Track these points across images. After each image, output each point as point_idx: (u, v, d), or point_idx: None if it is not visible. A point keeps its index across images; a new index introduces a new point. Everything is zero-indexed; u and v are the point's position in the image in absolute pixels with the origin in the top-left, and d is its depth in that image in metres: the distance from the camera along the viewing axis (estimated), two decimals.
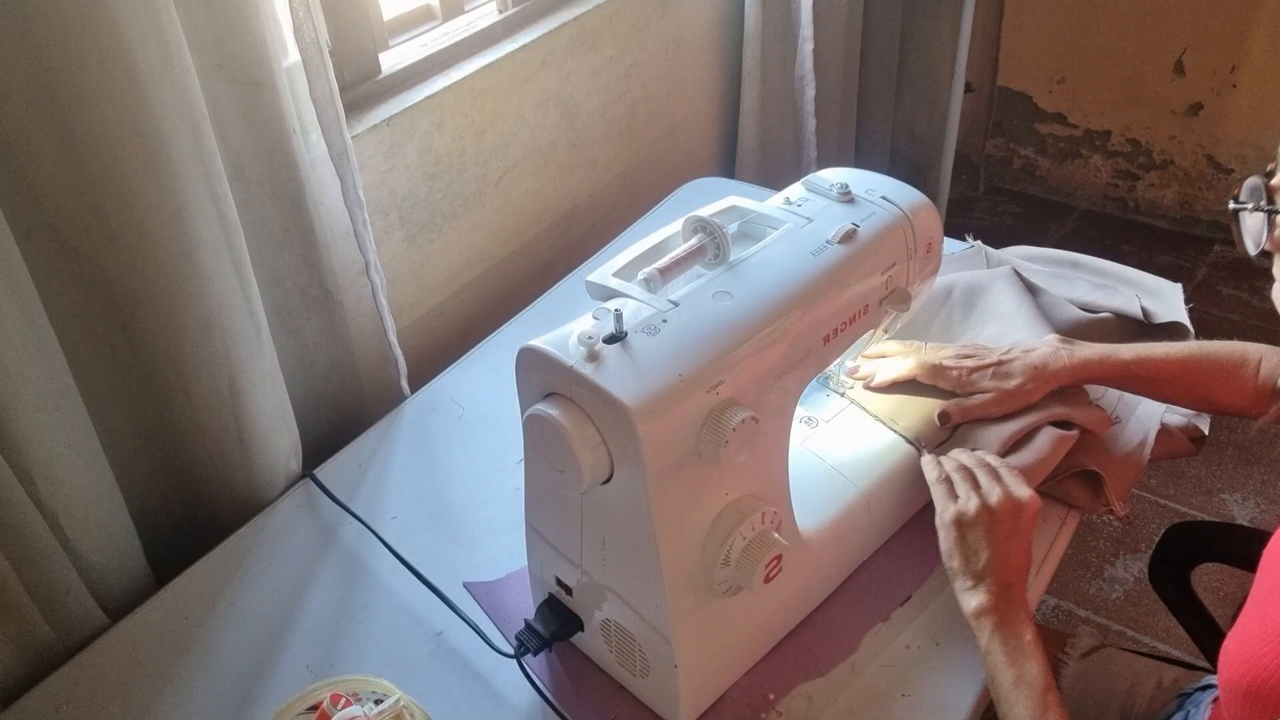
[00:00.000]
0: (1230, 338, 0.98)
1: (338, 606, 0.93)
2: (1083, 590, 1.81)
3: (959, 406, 0.96)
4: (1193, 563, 1.09)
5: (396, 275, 1.23)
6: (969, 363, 0.98)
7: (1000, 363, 0.97)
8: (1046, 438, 0.95)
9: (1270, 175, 0.69)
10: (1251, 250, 0.70)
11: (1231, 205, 0.71)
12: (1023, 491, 0.84)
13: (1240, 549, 1.08)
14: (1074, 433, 0.96)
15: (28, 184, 0.81)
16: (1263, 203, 0.69)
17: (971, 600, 0.81)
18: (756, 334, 0.74)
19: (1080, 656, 1.02)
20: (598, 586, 0.79)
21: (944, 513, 0.84)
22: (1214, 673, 1.01)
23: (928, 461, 0.89)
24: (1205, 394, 0.97)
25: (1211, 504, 1.94)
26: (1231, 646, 0.70)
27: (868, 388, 1.00)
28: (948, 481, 0.86)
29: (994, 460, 0.88)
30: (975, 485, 0.85)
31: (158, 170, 0.83)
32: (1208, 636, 1.07)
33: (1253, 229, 0.70)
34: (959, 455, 0.89)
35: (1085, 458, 0.97)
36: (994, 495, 0.83)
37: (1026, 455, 0.93)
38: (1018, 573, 0.81)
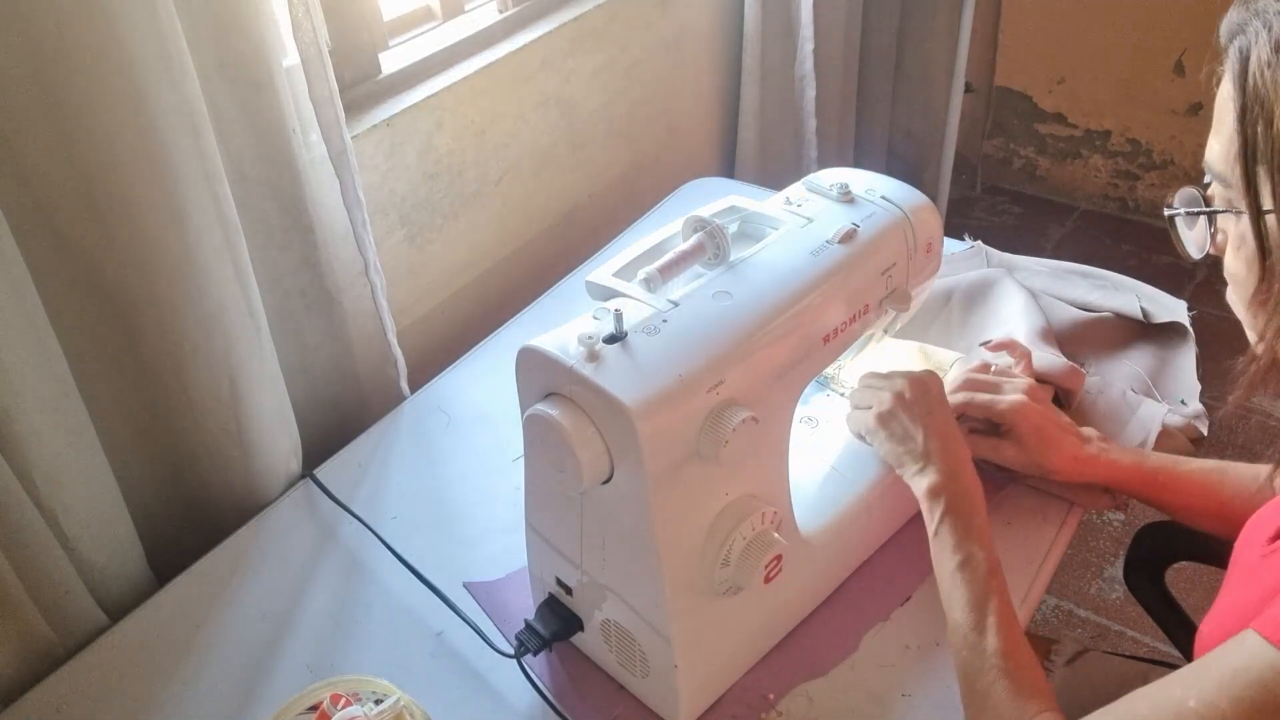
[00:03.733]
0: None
1: (338, 606, 0.93)
2: (1083, 590, 1.81)
3: None
4: (1166, 563, 1.09)
5: (396, 275, 1.23)
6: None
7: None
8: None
9: (1207, 185, 0.70)
10: (1195, 255, 0.72)
11: (1167, 212, 0.72)
12: (919, 373, 0.87)
13: (1214, 546, 1.07)
14: (1048, 385, 0.97)
15: (28, 184, 0.80)
16: (1200, 208, 0.70)
17: (923, 481, 0.82)
18: (756, 334, 0.74)
19: (1065, 663, 1.02)
20: (598, 586, 0.79)
21: (867, 425, 0.87)
22: None
23: (848, 414, 0.92)
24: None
25: None
26: (1205, 630, 0.70)
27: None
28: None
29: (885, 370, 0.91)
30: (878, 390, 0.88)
31: (158, 170, 0.83)
32: (1186, 636, 1.07)
33: (1194, 238, 0.71)
34: None
35: None
36: (896, 383, 0.86)
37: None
38: (958, 461, 0.82)
